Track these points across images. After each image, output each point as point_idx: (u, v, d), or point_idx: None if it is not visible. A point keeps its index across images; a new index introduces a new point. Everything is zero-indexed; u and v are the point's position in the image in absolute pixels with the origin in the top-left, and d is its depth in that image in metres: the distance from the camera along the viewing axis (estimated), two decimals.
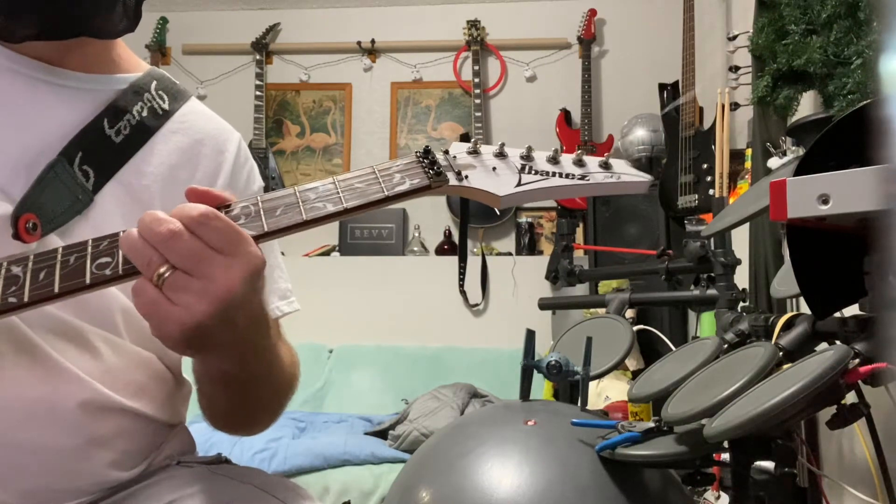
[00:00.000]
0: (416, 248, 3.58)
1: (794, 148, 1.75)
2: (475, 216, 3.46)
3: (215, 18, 3.91)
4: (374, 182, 0.62)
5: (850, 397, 0.78)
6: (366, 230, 3.53)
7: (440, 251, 3.60)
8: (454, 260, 3.46)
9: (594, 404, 2.16)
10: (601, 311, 1.61)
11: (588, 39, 3.63)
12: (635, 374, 2.43)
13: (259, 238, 0.58)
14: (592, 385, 1.46)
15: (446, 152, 0.66)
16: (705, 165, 2.60)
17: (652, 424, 0.90)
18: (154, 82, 0.80)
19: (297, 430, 2.65)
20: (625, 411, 1.87)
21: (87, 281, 0.56)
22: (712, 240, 1.39)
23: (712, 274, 1.39)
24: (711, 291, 1.37)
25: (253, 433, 0.83)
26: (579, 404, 1.11)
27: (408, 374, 3.12)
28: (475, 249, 3.51)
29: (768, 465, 0.83)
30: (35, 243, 0.66)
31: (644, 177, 0.68)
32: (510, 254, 3.52)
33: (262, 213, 0.60)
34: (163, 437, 0.78)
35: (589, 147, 3.51)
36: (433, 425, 2.35)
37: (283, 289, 0.88)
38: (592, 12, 3.66)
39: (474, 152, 0.67)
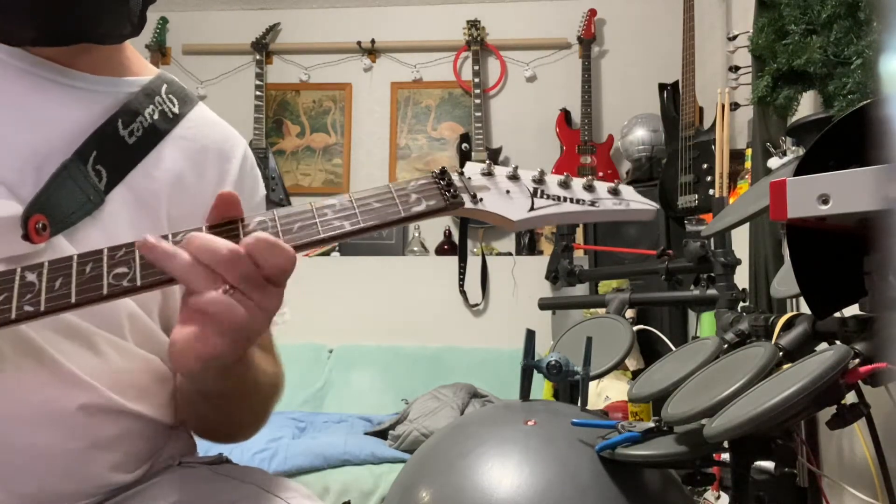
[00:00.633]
0: (416, 248, 3.58)
1: (794, 148, 1.75)
2: None
3: (215, 18, 3.91)
4: (391, 201, 0.62)
5: (850, 397, 0.78)
6: None
7: (440, 251, 3.60)
8: (454, 260, 3.46)
9: (594, 404, 2.16)
10: (601, 311, 1.61)
11: (588, 39, 3.63)
12: (635, 374, 2.43)
13: None
14: (592, 385, 1.46)
15: (461, 173, 0.66)
16: (705, 165, 2.60)
17: (652, 424, 0.90)
18: (164, 86, 0.80)
19: (297, 430, 2.65)
20: (625, 411, 1.87)
21: (105, 292, 0.56)
22: (712, 240, 1.39)
23: (712, 274, 1.39)
24: (711, 291, 1.37)
25: (237, 441, 0.84)
26: (579, 404, 1.11)
27: (408, 374, 3.12)
28: (475, 249, 3.51)
29: (768, 465, 0.84)
30: (43, 244, 0.65)
31: (651, 205, 0.69)
32: (510, 254, 3.52)
33: (279, 229, 0.60)
34: (165, 438, 0.78)
35: (589, 147, 3.51)
36: (433, 425, 2.35)
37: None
38: (592, 12, 3.67)
39: (488, 174, 0.67)
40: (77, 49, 0.72)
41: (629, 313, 2.23)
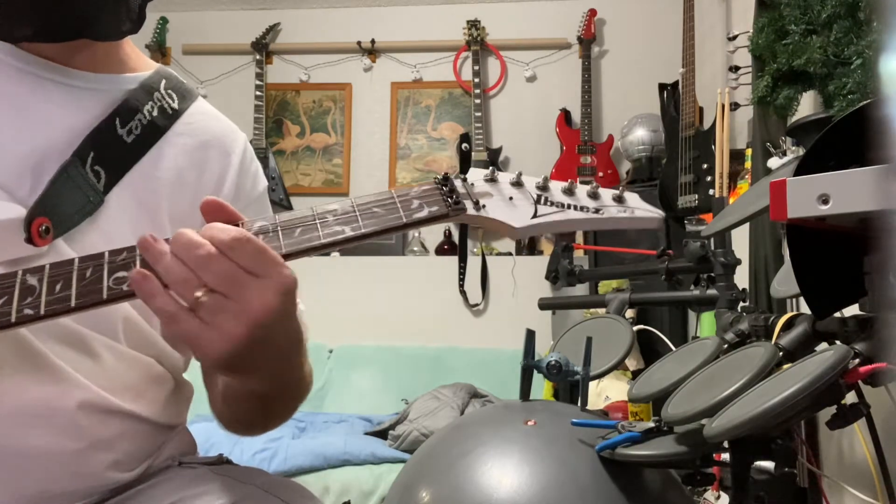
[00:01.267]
0: (416, 248, 3.58)
1: (794, 148, 1.75)
2: None
3: (215, 18, 3.91)
4: (393, 207, 0.62)
5: (850, 397, 0.78)
6: None
7: (440, 251, 3.60)
8: (454, 260, 3.46)
9: (594, 404, 2.16)
10: (601, 311, 1.61)
11: (588, 39, 3.63)
12: (635, 374, 2.43)
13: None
14: (592, 385, 1.46)
15: (464, 179, 0.66)
16: (705, 165, 2.60)
17: (652, 424, 0.90)
18: (163, 81, 0.79)
19: (297, 430, 2.65)
20: (625, 411, 1.87)
21: (104, 296, 0.56)
22: (712, 240, 1.39)
23: (712, 274, 1.39)
24: (711, 291, 1.37)
25: (262, 433, 0.84)
26: (579, 404, 1.11)
27: (408, 374, 3.12)
28: (475, 249, 3.51)
29: (768, 465, 0.84)
30: (46, 247, 0.65)
31: (657, 213, 0.69)
32: (510, 254, 3.52)
33: (280, 233, 0.59)
34: (163, 438, 0.78)
35: (589, 147, 3.51)
36: (433, 425, 2.35)
37: None
38: (592, 12, 3.67)
39: (492, 180, 0.67)
40: (75, 46, 0.72)
41: (629, 313, 2.23)
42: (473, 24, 3.72)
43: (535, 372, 1.14)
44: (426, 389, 2.68)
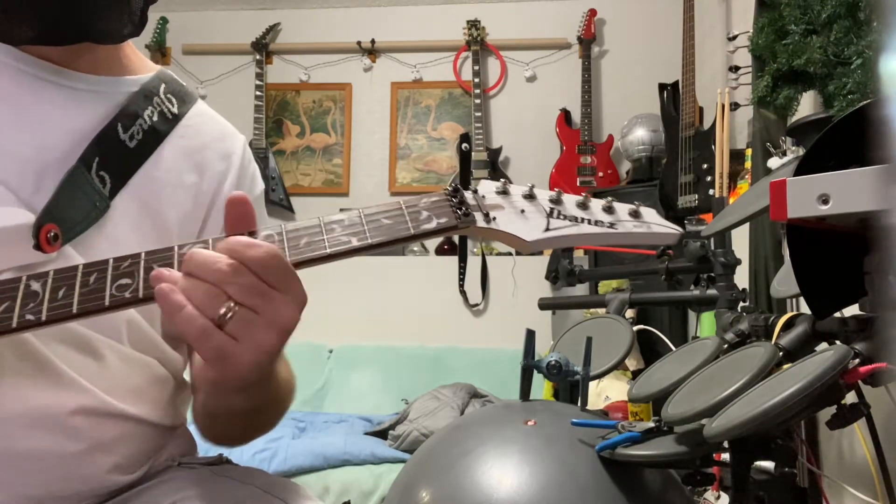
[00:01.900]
0: (416, 248, 3.58)
1: (794, 148, 1.75)
2: None
3: (215, 18, 3.91)
4: (401, 218, 0.61)
5: (850, 397, 0.78)
6: None
7: (440, 251, 3.60)
8: (454, 260, 3.46)
9: (594, 404, 2.16)
10: (601, 311, 1.61)
11: (588, 39, 3.63)
12: (635, 374, 2.43)
13: None
14: (592, 385, 1.46)
15: (475, 191, 0.65)
16: (705, 165, 2.60)
17: (652, 424, 0.90)
18: (163, 85, 0.79)
19: (297, 430, 2.65)
20: (625, 411, 1.87)
21: (107, 303, 0.56)
22: (712, 240, 1.39)
23: (712, 274, 1.39)
24: (711, 291, 1.37)
25: (247, 443, 0.84)
26: (579, 404, 1.11)
27: (408, 375, 3.12)
28: (475, 249, 3.51)
29: (768, 465, 0.84)
30: (55, 253, 0.65)
31: (675, 228, 0.67)
32: (510, 254, 3.52)
33: (286, 243, 0.59)
34: (164, 439, 0.78)
35: (589, 147, 3.51)
36: (433, 425, 2.35)
37: None
38: (592, 12, 3.67)
39: (503, 192, 0.65)
40: (77, 49, 0.72)
41: (629, 313, 2.24)
42: (473, 24, 3.72)
43: (535, 372, 1.14)
44: (426, 389, 2.68)
